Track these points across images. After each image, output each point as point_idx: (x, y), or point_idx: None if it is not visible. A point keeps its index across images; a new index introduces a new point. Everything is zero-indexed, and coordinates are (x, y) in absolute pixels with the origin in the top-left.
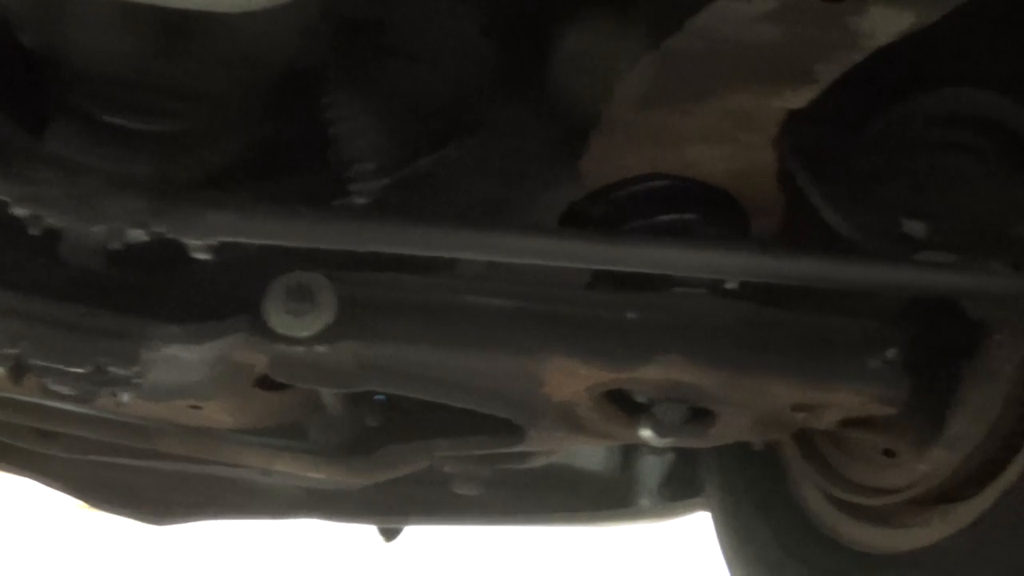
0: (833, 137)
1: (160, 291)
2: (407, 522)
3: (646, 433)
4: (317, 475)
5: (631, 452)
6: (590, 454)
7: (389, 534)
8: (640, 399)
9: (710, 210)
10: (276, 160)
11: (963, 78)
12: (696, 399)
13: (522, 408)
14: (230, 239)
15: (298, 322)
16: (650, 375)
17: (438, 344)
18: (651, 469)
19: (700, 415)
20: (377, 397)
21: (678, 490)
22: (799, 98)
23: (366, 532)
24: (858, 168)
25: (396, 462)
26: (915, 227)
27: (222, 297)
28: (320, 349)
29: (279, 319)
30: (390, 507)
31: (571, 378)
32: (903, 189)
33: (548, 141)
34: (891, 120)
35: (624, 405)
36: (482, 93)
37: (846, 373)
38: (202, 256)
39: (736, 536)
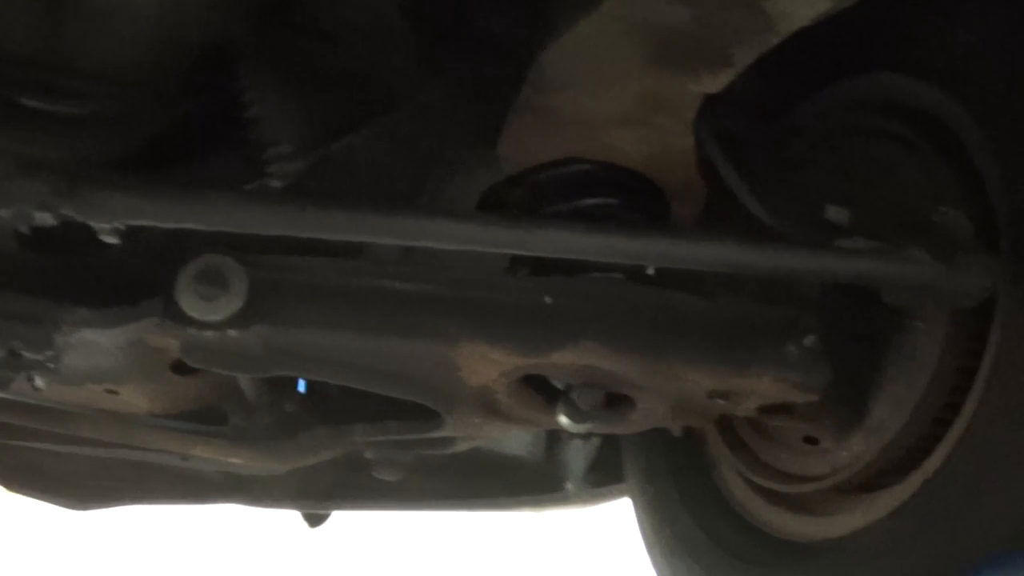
0: (758, 123)
1: (74, 275)
2: (331, 507)
3: (563, 419)
4: (235, 460)
5: (557, 438)
6: (516, 439)
7: (314, 520)
8: (557, 384)
9: (630, 195)
10: (192, 142)
11: (889, 65)
12: (612, 385)
13: (438, 394)
14: (136, 222)
15: (209, 306)
16: (565, 361)
17: (350, 329)
18: (577, 454)
19: (617, 401)
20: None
21: (604, 476)
22: (716, 82)
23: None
24: (783, 155)
25: (315, 448)
26: (837, 213)
27: (137, 281)
28: (231, 334)
29: (190, 303)
30: (314, 492)
31: (485, 363)
32: (827, 176)
33: (467, 123)
34: (816, 107)
35: (542, 390)
36: (401, 73)
37: (763, 360)
38: (110, 239)
39: (657, 522)
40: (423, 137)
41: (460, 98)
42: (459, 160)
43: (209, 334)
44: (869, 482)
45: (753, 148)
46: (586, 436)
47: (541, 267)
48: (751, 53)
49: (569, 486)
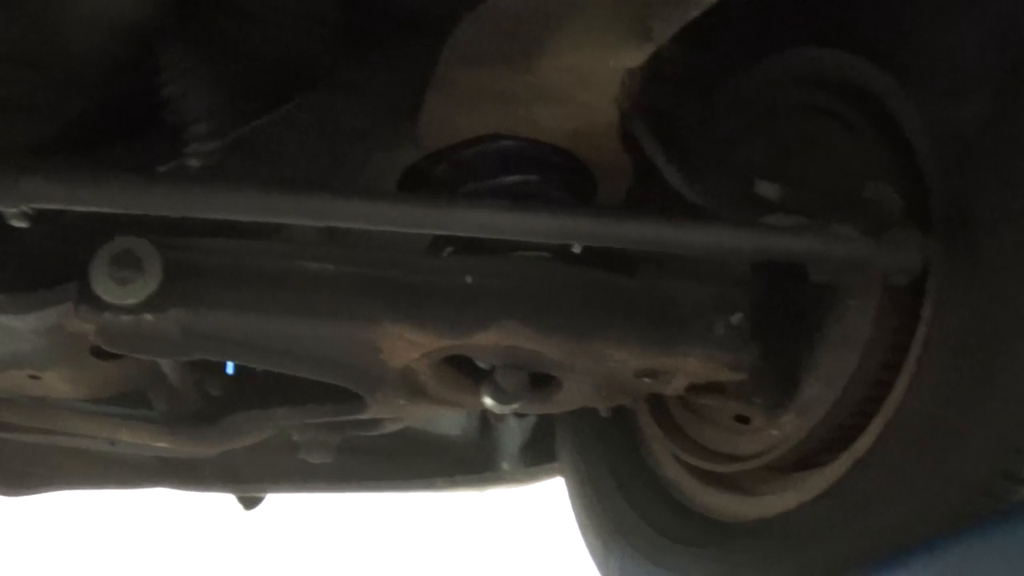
0: (690, 99)
1: None
2: (264, 490)
3: (487, 400)
4: (161, 445)
5: (491, 417)
6: (450, 419)
7: (248, 503)
8: (482, 365)
9: (555, 172)
10: (113, 124)
11: (821, 39)
12: (536, 365)
13: (360, 376)
14: (45, 206)
15: (124, 290)
16: (488, 341)
17: (268, 311)
18: (512, 433)
19: (543, 381)
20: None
21: (538, 454)
22: (636, 56)
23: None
24: (715, 130)
25: (240, 431)
26: (768, 189)
27: (54, 265)
28: (147, 318)
29: (105, 287)
30: (246, 476)
31: (406, 345)
32: (759, 151)
33: (387, 99)
34: (749, 81)
35: (467, 371)
36: (321, 51)
37: (690, 338)
38: (19, 223)
39: (589, 502)
40: (343, 114)
41: (380, 74)
42: (380, 137)
43: (125, 318)
44: (801, 461)
45: (684, 124)
46: (520, 416)
47: (466, 246)
48: (671, 26)
49: (504, 465)
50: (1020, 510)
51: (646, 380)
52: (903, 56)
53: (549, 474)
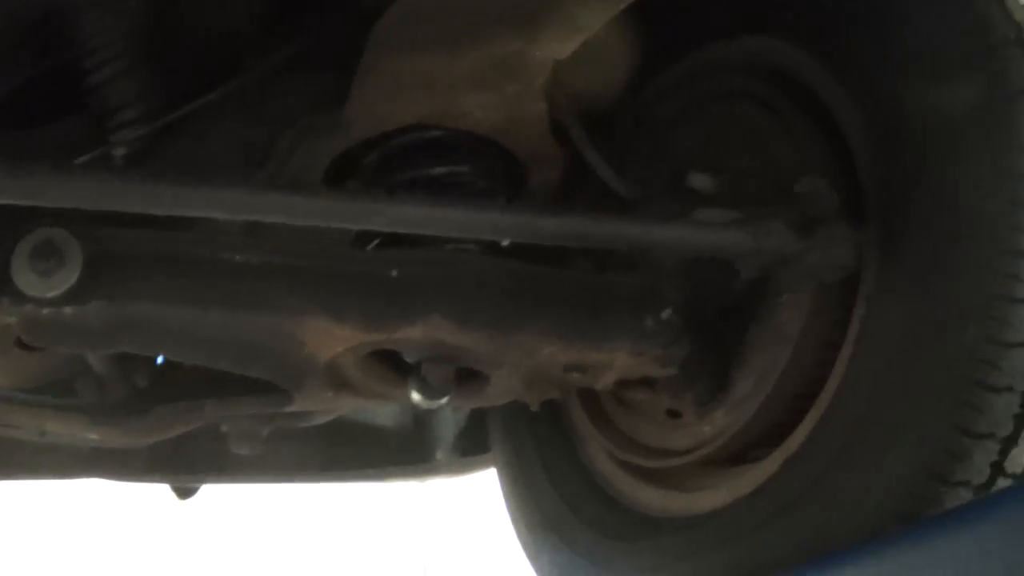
0: (625, 88)
1: None
2: (197, 480)
3: (414, 394)
4: (90, 436)
5: (419, 410)
6: (384, 409)
7: (183, 493)
8: (408, 359)
9: (483, 163)
10: (37, 110)
11: (756, 28)
12: (463, 360)
13: (285, 370)
14: None
15: (45, 282)
16: (413, 336)
17: (190, 303)
18: (447, 423)
19: (470, 376)
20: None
21: (473, 445)
22: (563, 47)
23: None
24: (649, 120)
25: (168, 423)
26: (701, 180)
27: None
28: (68, 310)
29: (26, 279)
30: (179, 466)
31: (331, 339)
32: (693, 141)
33: (315, 86)
34: (685, 70)
35: (394, 365)
36: (247, 36)
37: (618, 333)
38: None
39: (521, 495)
40: (271, 102)
41: (308, 60)
42: (308, 124)
43: (46, 311)
44: (733, 457)
45: (617, 114)
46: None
47: (392, 239)
48: (599, 16)
49: (439, 455)
50: (949, 517)
51: (575, 375)
52: (837, 45)
53: (484, 465)
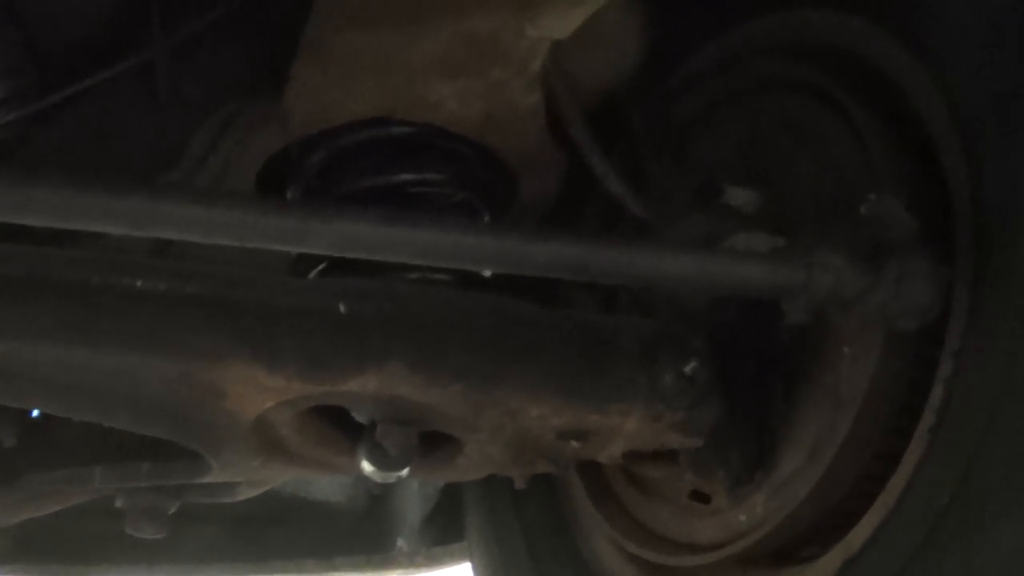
0: (642, 77)
1: None
2: (75, 572)
3: (366, 465)
4: None
5: (371, 486)
6: (331, 481)
7: None
8: (359, 418)
9: (460, 170)
10: None
11: None
12: (428, 421)
13: (199, 429)
14: None
15: None
16: (366, 388)
17: (72, 341)
18: (411, 502)
19: (437, 441)
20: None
21: (443, 531)
22: (563, 24)
23: None
24: (672, 119)
25: (42, 496)
26: (739, 196)
27: None
28: None
29: None
30: (54, 553)
31: (259, 390)
32: (727, 145)
33: (242, 67)
34: (718, 53)
35: (340, 425)
36: (155, 3)
37: (627, 391)
38: None
39: None
40: (184, 85)
41: (233, 33)
42: (234, 114)
43: None
44: (778, 556)
45: (631, 110)
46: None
47: (341, 265)
48: None
49: (400, 543)
50: None
51: (573, 443)
52: (925, 21)
53: (457, 557)
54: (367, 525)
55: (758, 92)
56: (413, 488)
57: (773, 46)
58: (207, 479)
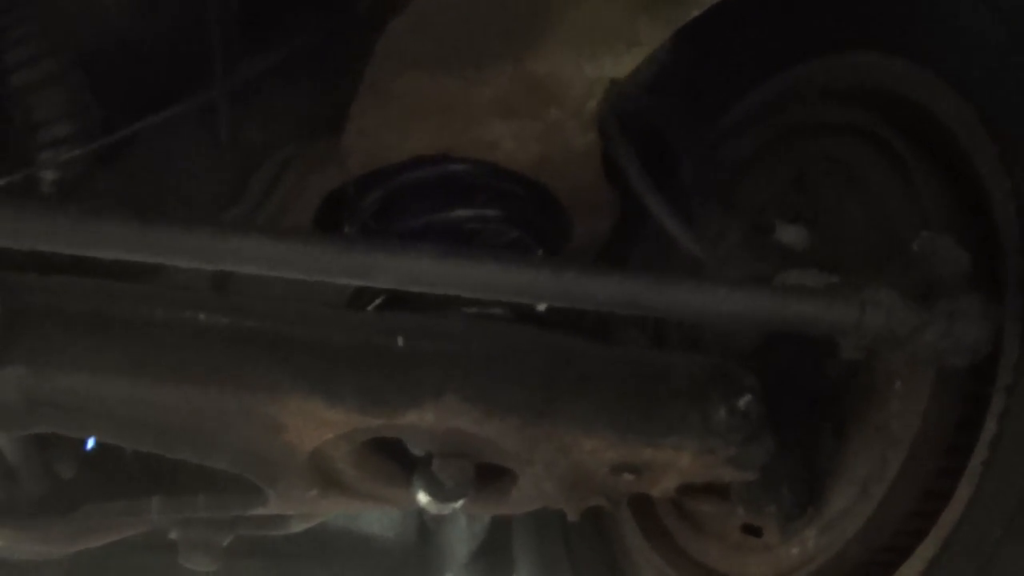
0: (692, 119)
1: None
2: None
3: (422, 496)
4: None
5: (428, 517)
6: (380, 515)
7: None
8: (416, 452)
9: (517, 208)
10: None
11: (865, 41)
12: (484, 454)
13: (258, 462)
14: None
15: None
16: (423, 422)
17: (135, 374)
18: (460, 537)
19: (493, 474)
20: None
21: (493, 566)
22: (621, 64)
23: None
24: (724, 160)
25: (98, 526)
26: (792, 234)
27: None
28: None
29: None
30: None
31: (317, 423)
32: (777, 185)
33: (301, 108)
34: (768, 96)
35: (397, 458)
36: (217, 43)
37: (681, 426)
38: None
39: None
40: (244, 125)
41: (292, 75)
42: (291, 155)
43: None
44: None
45: (684, 152)
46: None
47: (398, 300)
48: (665, 27)
49: None
50: None
51: (626, 477)
52: (976, 65)
53: None
54: (415, 560)
55: (806, 134)
56: (461, 524)
57: (821, 89)
58: (262, 511)
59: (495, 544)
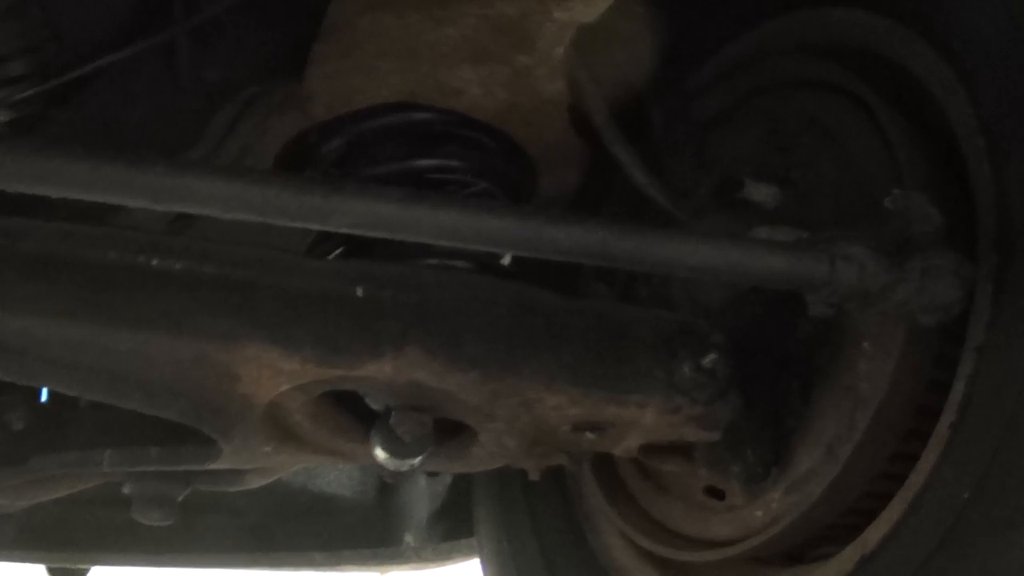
0: (666, 71)
1: None
2: (83, 561)
3: (379, 451)
4: None
5: (386, 474)
6: (337, 474)
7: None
8: (374, 405)
9: (482, 157)
10: None
11: None
12: (445, 408)
13: (211, 412)
14: None
15: None
16: (382, 374)
17: (85, 319)
18: (419, 496)
19: (452, 430)
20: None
21: (452, 526)
22: (589, 8)
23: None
24: (696, 113)
25: (51, 479)
26: (761, 192)
27: None
28: None
29: None
30: (60, 540)
31: (273, 373)
32: (750, 141)
33: (263, 48)
34: (742, 51)
35: (354, 412)
36: None
37: (646, 383)
38: None
39: None
40: (206, 64)
41: (256, 14)
42: (253, 97)
43: None
44: (792, 553)
45: (657, 104)
46: (432, 474)
47: (360, 248)
48: None
49: (408, 538)
50: None
51: (588, 435)
52: (952, 21)
53: (465, 553)
54: (374, 519)
55: (780, 90)
56: (421, 483)
57: (795, 45)
58: (217, 465)
59: (455, 504)
